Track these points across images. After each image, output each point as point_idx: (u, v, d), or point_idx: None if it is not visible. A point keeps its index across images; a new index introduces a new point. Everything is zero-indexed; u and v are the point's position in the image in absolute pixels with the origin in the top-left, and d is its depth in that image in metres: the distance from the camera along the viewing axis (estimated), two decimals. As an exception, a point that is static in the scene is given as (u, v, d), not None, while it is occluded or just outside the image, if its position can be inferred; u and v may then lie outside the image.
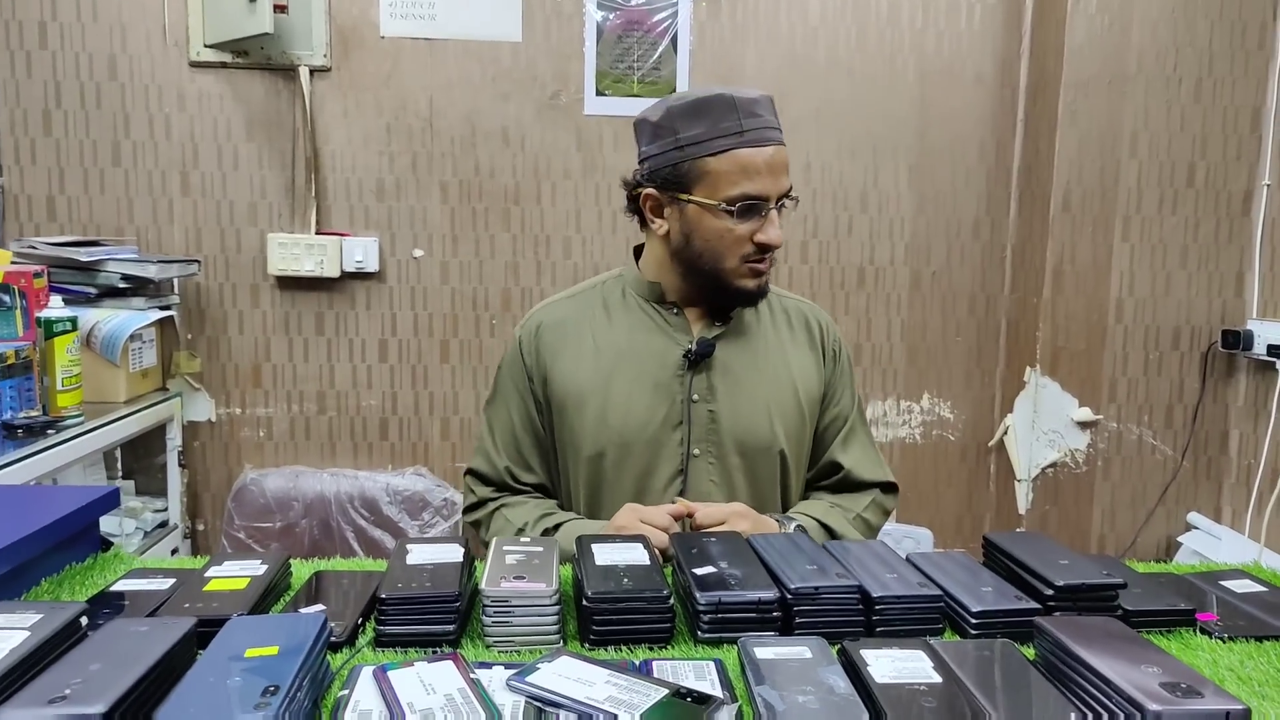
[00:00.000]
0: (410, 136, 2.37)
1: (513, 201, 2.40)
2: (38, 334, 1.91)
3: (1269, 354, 2.24)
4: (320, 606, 0.98)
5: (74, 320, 1.92)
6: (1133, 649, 0.82)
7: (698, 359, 1.32)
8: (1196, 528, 2.38)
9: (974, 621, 0.96)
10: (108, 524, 2.16)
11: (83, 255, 2.07)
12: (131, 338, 2.12)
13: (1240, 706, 0.72)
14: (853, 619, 0.95)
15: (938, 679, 0.80)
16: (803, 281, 2.47)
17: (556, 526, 1.33)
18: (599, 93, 2.40)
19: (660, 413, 1.32)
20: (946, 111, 2.48)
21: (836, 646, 0.88)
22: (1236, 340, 2.30)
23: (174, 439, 2.32)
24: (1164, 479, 2.40)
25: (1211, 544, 2.28)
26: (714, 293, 1.33)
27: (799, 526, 1.28)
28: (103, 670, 0.74)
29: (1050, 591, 0.98)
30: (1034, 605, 0.97)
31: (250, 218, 2.35)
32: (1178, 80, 2.30)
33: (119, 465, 2.21)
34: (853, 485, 1.42)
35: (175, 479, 2.33)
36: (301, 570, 1.13)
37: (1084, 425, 2.38)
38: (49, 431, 1.85)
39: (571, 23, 2.37)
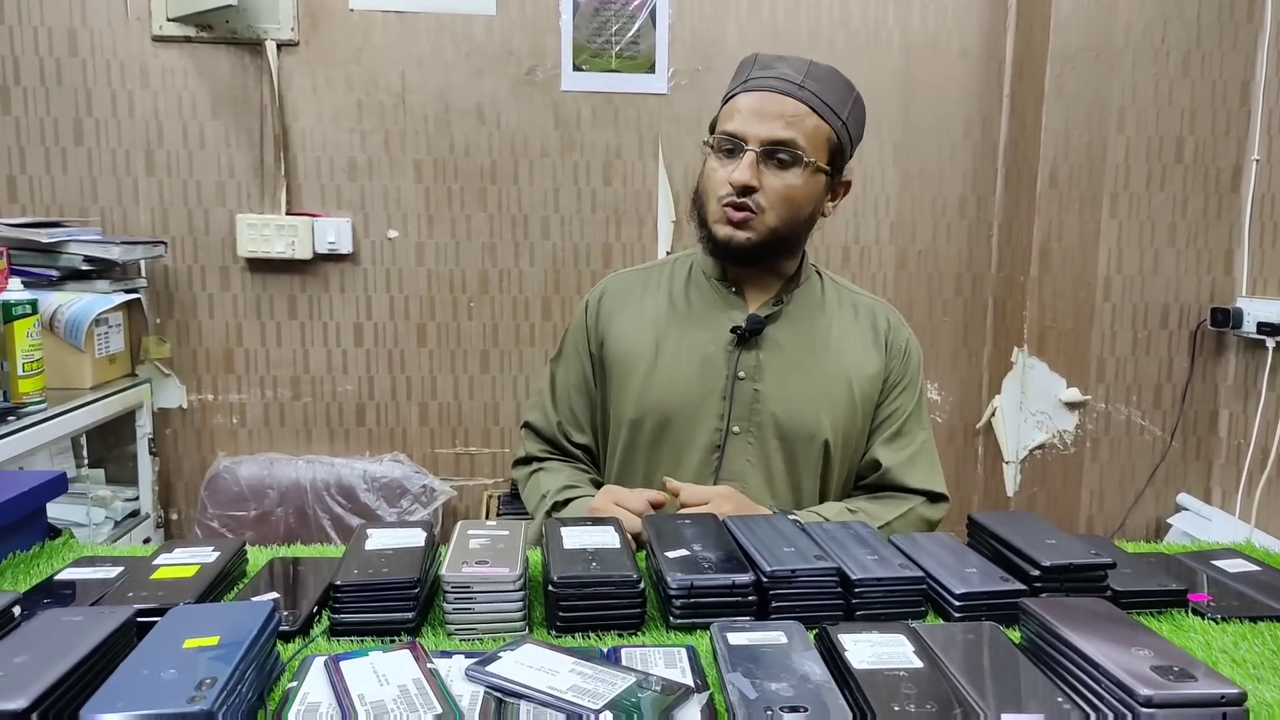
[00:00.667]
0: (382, 114, 2.30)
1: (489, 181, 2.35)
2: (-4, 318, 1.85)
3: (1259, 332, 2.21)
4: (273, 595, 0.93)
5: (34, 304, 1.86)
6: (1122, 631, 0.78)
7: (747, 335, 1.30)
8: (1186, 509, 2.36)
9: (957, 604, 0.92)
10: (73, 513, 2.11)
11: (44, 236, 2.00)
12: (97, 322, 2.06)
13: (1235, 690, 0.69)
14: (832, 602, 0.91)
15: (919, 664, 0.76)
16: (786, 261, 2.42)
17: (568, 502, 1.32)
18: (576, 68, 2.34)
19: (704, 386, 1.31)
20: (931, 86, 2.43)
21: (814, 631, 0.84)
22: (1226, 318, 2.27)
23: (144, 426, 2.26)
24: (1153, 460, 2.37)
25: (1201, 525, 2.26)
26: (710, 245, 1.31)
27: (794, 519, 1.23)
28: (29, 663, 0.69)
29: (1037, 572, 0.95)
30: (1020, 587, 0.93)
31: (218, 198, 2.28)
32: (1165, 53, 2.26)
33: (86, 453, 2.14)
34: (892, 487, 1.35)
35: (146, 467, 2.28)
36: (259, 557, 1.08)
37: (1072, 406, 2.34)
38: (9, 418, 1.79)
39: (548, -4, 2.31)
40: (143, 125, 2.24)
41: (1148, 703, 0.68)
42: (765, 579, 0.91)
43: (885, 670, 0.75)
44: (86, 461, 2.12)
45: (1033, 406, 2.36)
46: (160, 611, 0.81)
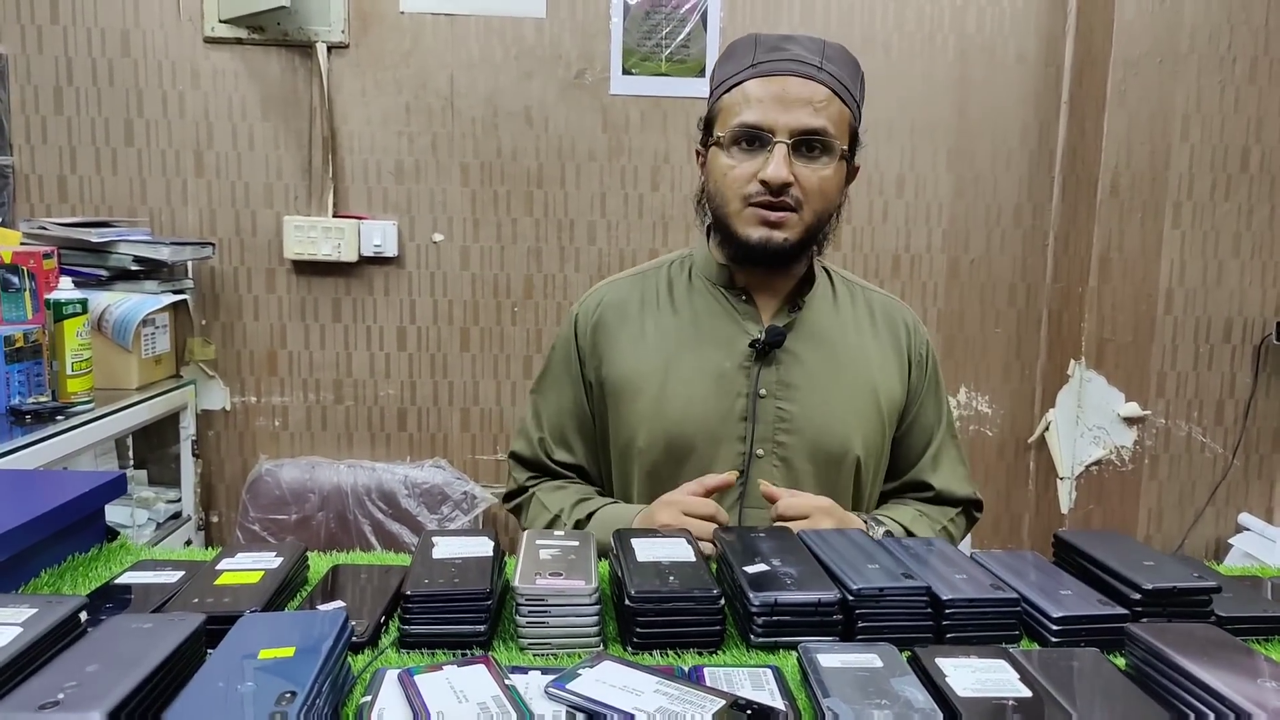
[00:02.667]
0: (430, 116, 2.29)
1: (535, 184, 2.33)
2: (47, 317, 1.85)
3: (1327, 347, 2.14)
4: (340, 603, 0.90)
5: (84, 303, 1.86)
6: (1239, 658, 0.74)
7: (766, 349, 1.20)
8: (1248, 529, 2.28)
9: (1055, 628, 0.87)
10: (118, 514, 2.10)
11: (94, 236, 2.01)
12: (144, 322, 2.06)
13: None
14: (921, 624, 0.87)
15: (1026, 691, 0.72)
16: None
17: (590, 515, 1.23)
18: (625, 71, 2.32)
19: (723, 407, 1.20)
20: (987, 92, 2.38)
21: (906, 654, 0.80)
22: (1292, 332, 2.20)
23: (188, 428, 2.26)
24: (1214, 478, 2.30)
25: (1264, 546, 2.18)
26: (728, 244, 1.21)
27: (886, 532, 1.18)
28: (101, 672, 0.66)
29: (1137, 596, 0.90)
30: (1121, 611, 0.88)
31: (266, 199, 2.28)
32: (1232, 59, 2.20)
33: (131, 454, 2.14)
34: (942, 502, 1.32)
35: (189, 469, 2.27)
36: (319, 563, 1.06)
37: (1130, 421, 2.28)
38: (58, 418, 1.79)
39: (598, -1, 2.29)
40: (193, 126, 2.25)
41: (1280, 735, 0.63)
42: (852, 597, 0.87)
43: (991, 698, 0.71)
44: (132, 463, 2.12)
45: (1089, 421, 2.30)
46: (229, 619, 0.78)
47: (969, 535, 2.37)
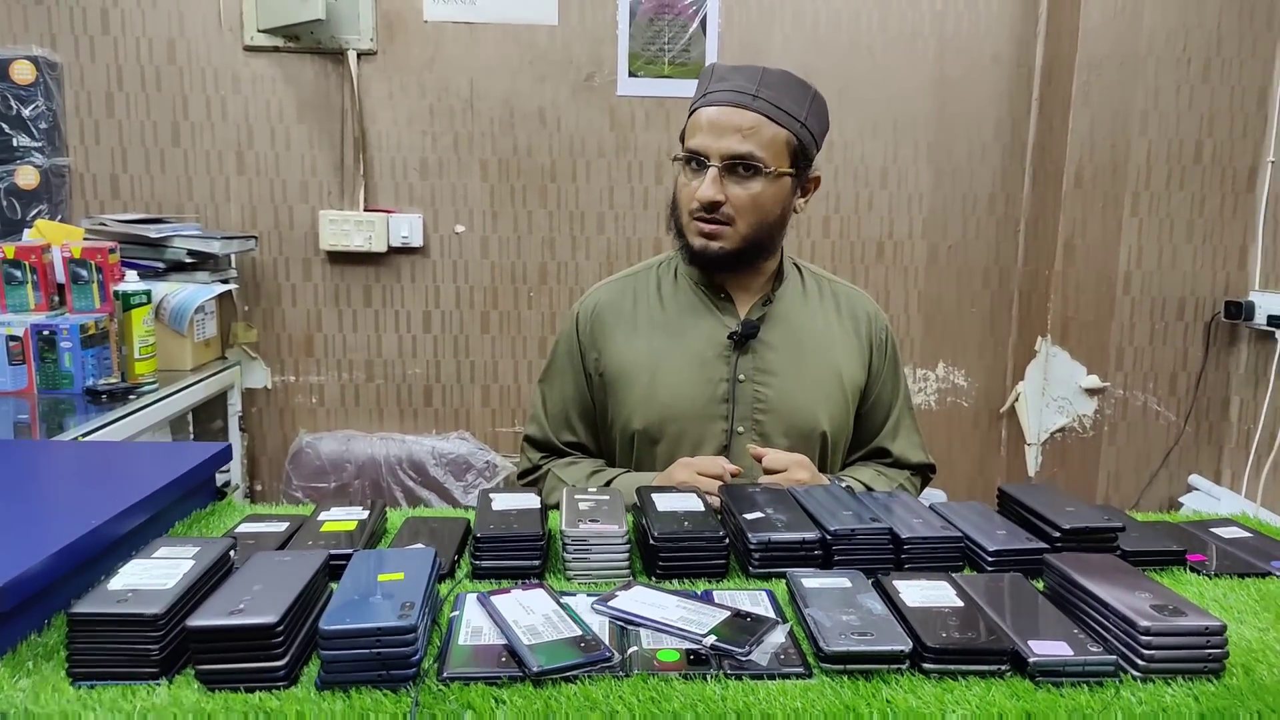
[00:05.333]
0: (452, 117, 2.48)
1: (549, 179, 2.53)
2: (115, 306, 2.06)
3: (1269, 324, 2.35)
4: (421, 545, 1.12)
5: (149, 294, 2.07)
6: (1129, 580, 0.95)
7: (742, 340, 1.39)
8: (1197, 489, 2.52)
9: (990, 559, 1.09)
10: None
11: (152, 232, 2.20)
12: (195, 309, 2.26)
13: (1217, 622, 0.85)
14: (884, 557, 1.09)
15: (960, 603, 0.93)
16: (824, 255, 2.60)
17: (608, 484, 1.42)
18: (631, 74, 2.51)
19: (707, 391, 1.39)
20: (964, 90, 2.58)
21: (871, 579, 1.02)
22: (1239, 311, 2.42)
23: (234, 405, 2.47)
24: (1167, 443, 2.53)
25: (1211, 504, 2.41)
26: (686, 253, 1.39)
27: (847, 486, 1.40)
28: (265, 590, 0.88)
29: (1057, 534, 1.12)
30: (1043, 545, 1.10)
31: (302, 195, 2.48)
32: (1187, 60, 2.39)
33: (189, 430, 2.36)
34: (900, 467, 1.53)
35: (236, 442, 2.49)
36: (394, 518, 1.28)
37: (1092, 392, 2.50)
38: (130, 397, 1.99)
39: (605, 7, 2.48)
40: (234, 128, 2.44)
41: (1146, 631, 0.85)
42: (829, 536, 1.09)
43: (933, 608, 0.93)
44: (191, 435, 2.33)
45: (1054, 392, 2.52)
46: (344, 557, 1.00)
47: (943, 495, 2.60)
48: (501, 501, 1.17)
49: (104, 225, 2.23)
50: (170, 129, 2.43)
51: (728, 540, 1.08)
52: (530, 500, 1.18)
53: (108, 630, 0.82)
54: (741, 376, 1.40)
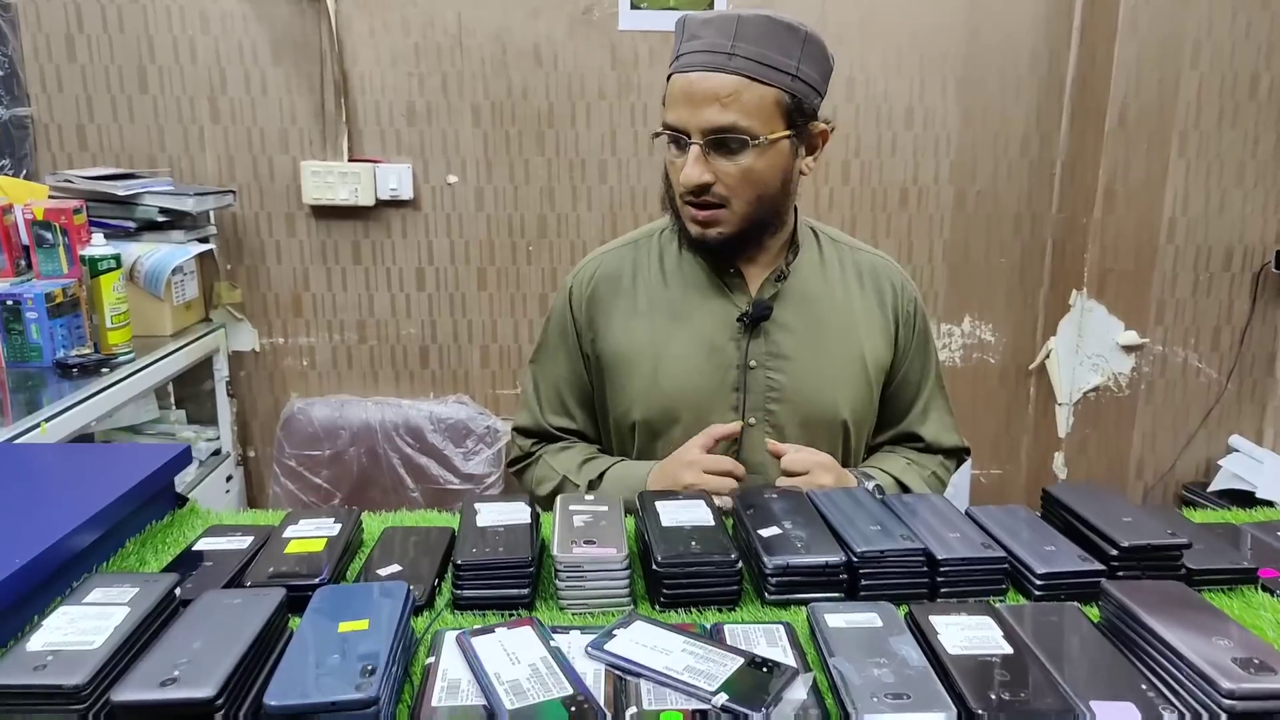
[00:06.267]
0: (439, 56, 2.29)
1: (546, 124, 2.34)
2: (83, 272, 1.92)
3: (1324, 275, 2.19)
4: (397, 567, 1.01)
5: (118, 257, 1.93)
6: (1202, 618, 0.83)
7: (754, 322, 1.25)
8: (1237, 450, 2.38)
9: (1039, 584, 0.97)
10: (162, 454, 2.21)
11: (120, 189, 2.05)
12: (173, 270, 2.13)
13: (1315, 685, 0.73)
14: (918, 581, 0.97)
15: (1009, 649, 0.81)
16: (843, 204, 2.42)
17: (601, 475, 1.30)
18: (634, 6, 2.30)
19: (715, 379, 1.26)
20: (997, 19, 2.36)
21: (903, 609, 0.90)
22: (1291, 261, 2.25)
23: (221, 370, 2.35)
24: (1207, 402, 2.38)
25: (1252, 467, 2.28)
26: (688, 241, 1.25)
27: (877, 486, 1.26)
28: (205, 648, 0.76)
29: (1114, 552, 0.99)
30: (1098, 567, 0.97)
31: (282, 145, 2.31)
32: (1247, -16, 2.18)
33: (171, 396, 2.25)
34: (931, 451, 1.39)
35: (225, 408, 2.38)
36: (371, 525, 1.16)
37: (1129, 349, 2.35)
38: (103, 370, 1.87)
39: (605, -69, 2.26)
40: (205, 72, 2.26)
41: (1230, 695, 0.73)
42: (856, 559, 0.96)
43: (978, 656, 0.81)
44: (172, 404, 2.22)
45: (1089, 349, 2.37)
46: (307, 588, 0.89)
47: (968, 465, 2.48)
48: (488, 514, 1.05)
49: (69, 182, 2.08)
50: (137, 73, 2.25)
51: (741, 564, 0.96)
52: (520, 513, 1.05)
53: (23, 705, 0.71)
54: (753, 363, 1.27)
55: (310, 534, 1.04)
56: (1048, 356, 2.49)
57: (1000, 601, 0.97)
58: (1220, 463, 2.38)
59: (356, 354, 2.45)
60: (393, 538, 1.09)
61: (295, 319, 2.42)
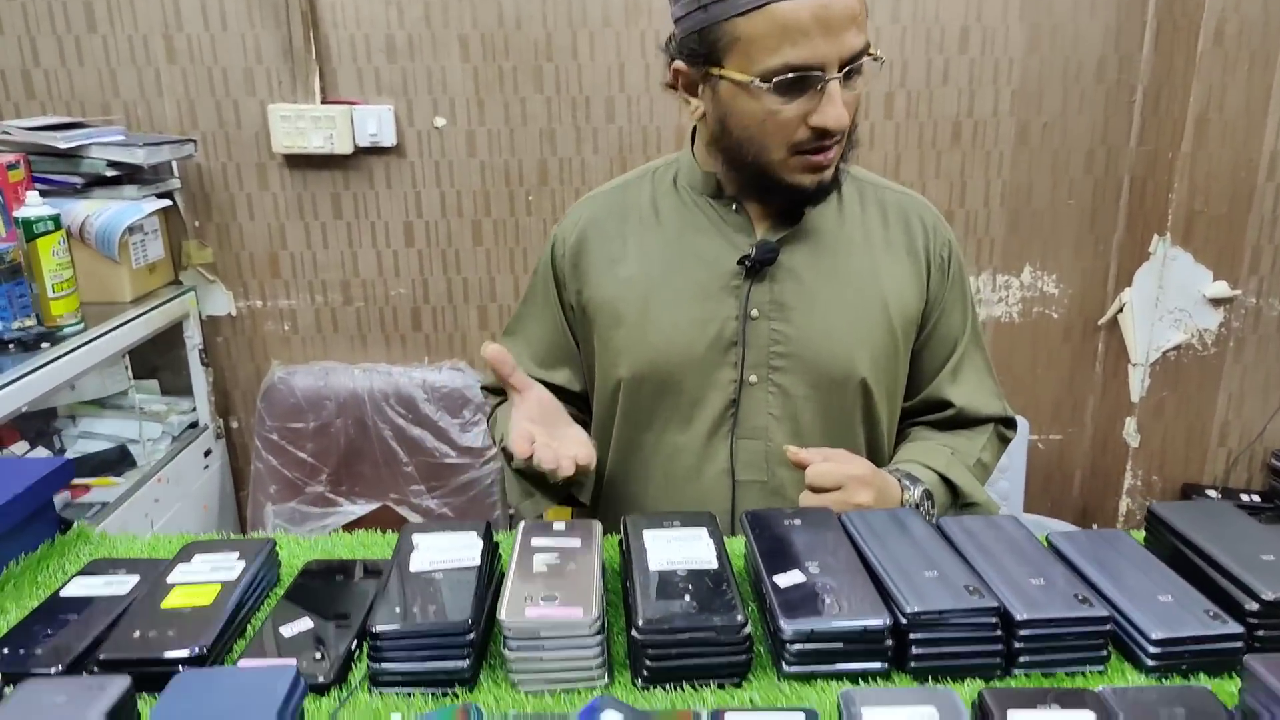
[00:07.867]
0: (422, -20, 2.01)
1: (545, 58, 2.06)
2: (18, 235, 1.70)
3: None
4: (307, 624, 0.78)
5: (56, 219, 1.70)
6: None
7: (757, 266, 1.07)
8: (1339, 417, 2.08)
9: (1153, 650, 0.72)
10: (128, 429, 2.03)
11: (61, 141, 1.82)
12: (130, 230, 1.90)
13: None
14: (989, 650, 0.72)
15: (1125, 772, 0.57)
16: (886, 141, 2.11)
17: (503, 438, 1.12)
18: (642, -86, 1.99)
19: (710, 331, 1.09)
20: (1070, -81, 2.01)
21: (972, 694, 0.66)
22: None
23: (193, 337, 2.14)
24: (1306, 362, 2.08)
25: (1357, 437, 1.99)
26: (765, 192, 1.06)
27: (925, 492, 1.04)
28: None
29: (1255, 606, 0.74)
30: (1234, 629, 0.72)
31: (247, 87, 2.06)
32: None
33: (130, 368, 2.04)
34: (965, 423, 1.16)
35: (200, 378, 2.18)
36: (296, 552, 0.94)
37: (1217, 302, 2.04)
38: (43, 345, 1.67)
39: None
40: (158, 6, 2.00)
41: None
42: (905, 621, 0.72)
43: (1082, 784, 0.57)
44: (131, 375, 2.02)
45: (1171, 303, 2.06)
46: (166, 664, 0.67)
47: (1025, 429, 2.20)
48: (426, 552, 0.82)
49: (8, 134, 1.85)
50: (83, 10, 2.00)
51: (749, 631, 0.72)
52: (469, 548, 0.82)
53: None
54: (755, 312, 1.08)
55: (202, 578, 0.82)
56: (1120, 311, 2.18)
57: (1100, 672, 0.73)
58: (1319, 432, 2.08)
59: (342, 317, 2.23)
60: (311, 578, 0.87)
61: (273, 280, 2.19)
